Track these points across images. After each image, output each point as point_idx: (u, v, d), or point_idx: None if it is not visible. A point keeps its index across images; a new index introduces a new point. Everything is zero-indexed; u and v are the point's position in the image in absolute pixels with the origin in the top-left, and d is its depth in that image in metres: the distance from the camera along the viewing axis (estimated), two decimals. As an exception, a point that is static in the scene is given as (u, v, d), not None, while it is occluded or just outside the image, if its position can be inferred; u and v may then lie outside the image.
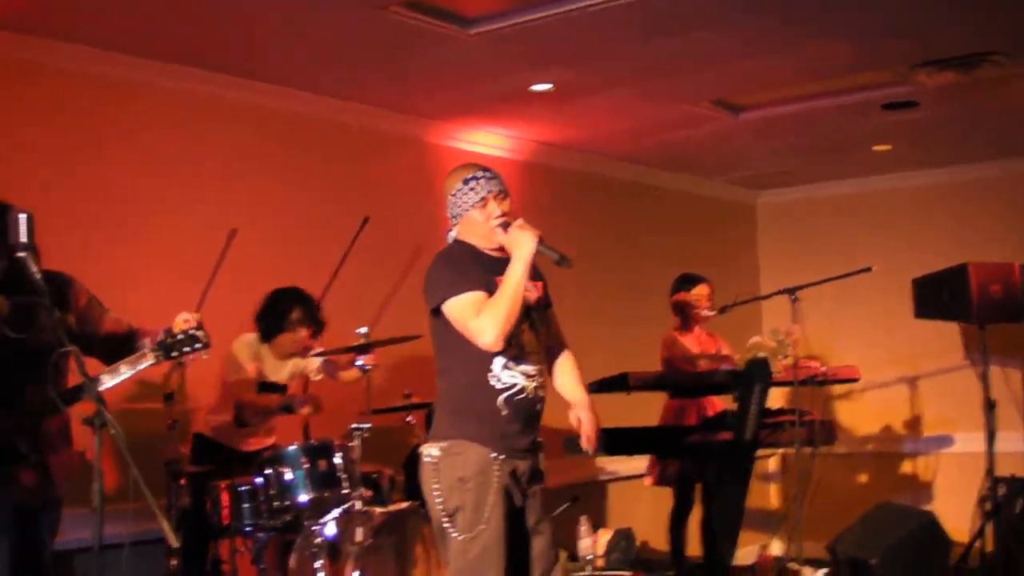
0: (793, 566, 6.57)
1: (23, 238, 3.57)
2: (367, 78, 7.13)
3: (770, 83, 7.60)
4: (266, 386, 6.31)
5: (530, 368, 4.17)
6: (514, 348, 4.09)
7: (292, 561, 5.74)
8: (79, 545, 5.44)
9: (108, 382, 4.11)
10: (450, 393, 4.23)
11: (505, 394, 4.10)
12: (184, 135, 6.82)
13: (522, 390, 4.13)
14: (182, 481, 5.78)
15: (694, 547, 7.56)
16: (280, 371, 6.37)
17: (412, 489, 6.93)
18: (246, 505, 5.70)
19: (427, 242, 8.02)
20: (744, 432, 6.50)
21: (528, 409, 4.17)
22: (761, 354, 6.52)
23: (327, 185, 7.58)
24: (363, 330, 5.65)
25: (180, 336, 4.10)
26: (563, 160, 9.25)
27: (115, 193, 6.44)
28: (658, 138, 8.92)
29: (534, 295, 4.30)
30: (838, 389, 9.77)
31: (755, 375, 6.49)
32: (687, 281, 7.55)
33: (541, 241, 4.13)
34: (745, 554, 7.28)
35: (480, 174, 4.29)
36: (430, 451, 4.15)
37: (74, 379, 4.29)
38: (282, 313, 6.27)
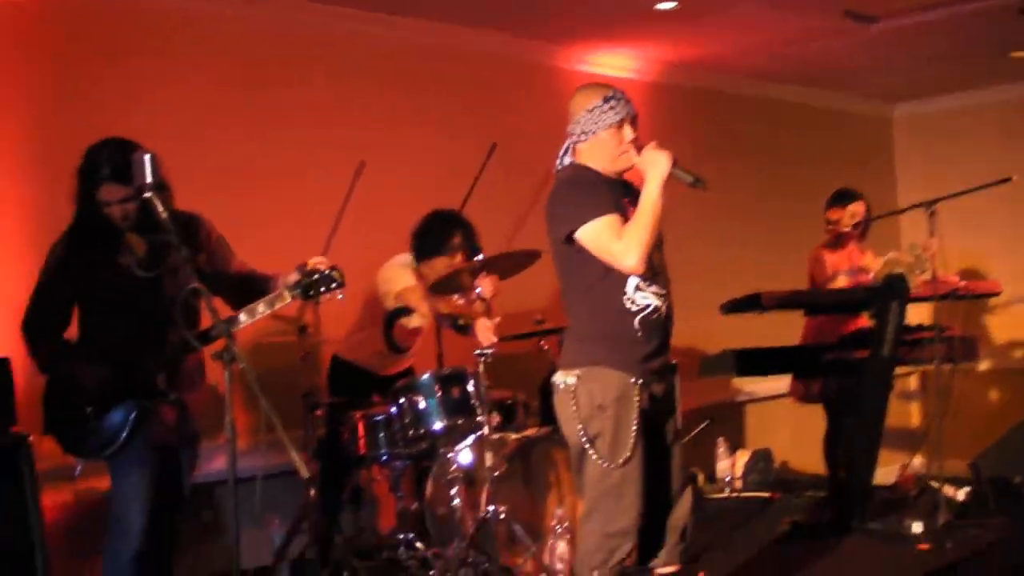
0: (934, 484, 6.46)
1: (149, 178, 3.61)
2: (491, 3, 7.09)
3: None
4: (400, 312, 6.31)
5: (660, 288, 4.13)
6: (646, 269, 4.03)
7: (428, 488, 5.83)
8: (218, 477, 5.63)
9: (245, 321, 4.19)
10: (584, 319, 4.17)
11: (640, 315, 4.06)
12: (313, 69, 6.90)
13: (656, 310, 4.09)
14: (318, 412, 5.87)
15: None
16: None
17: (547, 414, 6.98)
18: (381, 434, 5.76)
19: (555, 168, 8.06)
20: (882, 349, 6.40)
21: (662, 328, 4.14)
22: (898, 269, 6.40)
23: (454, 113, 7.59)
24: (480, 256, 5.61)
25: (317, 276, 4.12)
26: (691, 79, 9.13)
27: (247, 130, 6.56)
28: (788, 52, 8.74)
29: None
30: (979, 304, 9.52)
31: (892, 291, 6.37)
32: (841, 197, 7.31)
33: (675, 163, 4.07)
34: (885, 473, 7.18)
35: (619, 94, 4.21)
36: (566, 379, 4.12)
37: (208, 317, 4.44)
38: (443, 236, 6.16)
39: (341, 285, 4.17)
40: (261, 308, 4.19)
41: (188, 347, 4.27)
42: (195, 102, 6.36)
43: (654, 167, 4.04)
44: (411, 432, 5.65)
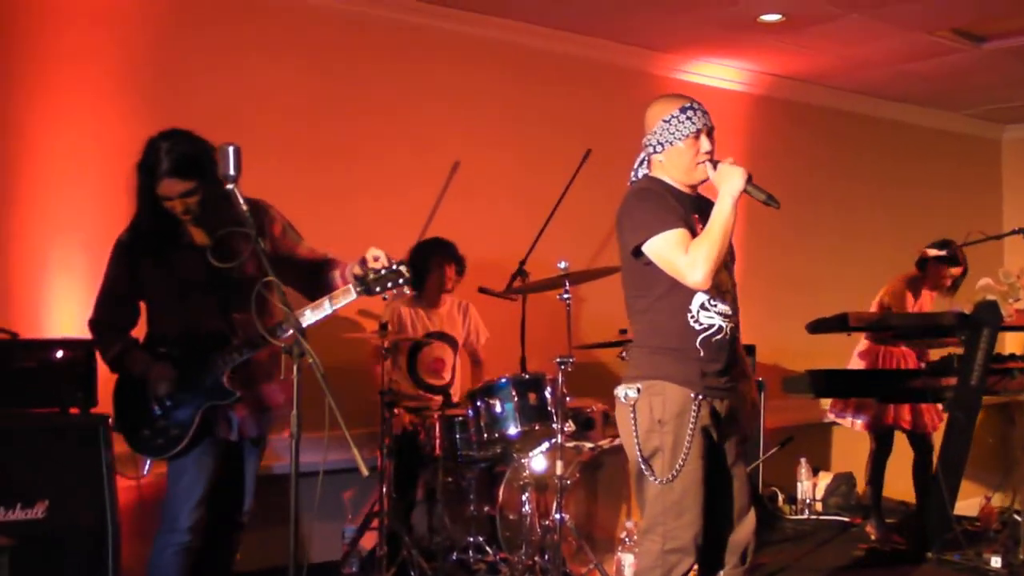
0: (1017, 519, 6.32)
1: (232, 170, 3.58)
2: (593, 8, 7.08)
3: (1016, 10, 7.21)
4: (431, 335, 6.42)
5: (726, 308, 4.05)
6: (712, 288, 3.97)
7: (500, 493, 5.85)
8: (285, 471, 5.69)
9: (311, 317, 4.09)
10: (647, 333, 4.11)
11: (703, 335, 3.99)
12: (411, 69, 6.96)
13: (720, 330, 4.02)
14: (396, 410, 5.92)
15: (912, 495, 7.37)
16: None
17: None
18: (457, 436, 5.81)
19: (650, 176, 8.02)
20: (970, 377, 6.27)
21: (726, 349, 4.06)
22: (991, 296, 6.26)
23: (550, 118, 7.60)
24: (563, 264, 5.59)
25: (383, 272, 4.01)
26: (794, 93, 9.03)
27: (342, 126, 6.63)
28: (895, 69, 8.61)
29: None
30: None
31: (984, 318, 6.24)
32: (952, 257, 7.09)
33: (750, 180, 3.97)
34: (967, 505, 7.04)
35: (696, 105, 4.11)
36: (626, 391, 4.04)
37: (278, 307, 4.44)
38: (423, 257, 6.33)
39: (408, 281, 4.05)
40: (327, 305, 4.09)
41: (257, 342, 4.25)
42: (290, 86, 6.47)
43: (729, 182, 3.96)
44: (486, 435, 5.67)
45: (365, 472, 3.41)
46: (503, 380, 5.70)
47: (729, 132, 8.51)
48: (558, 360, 5.39)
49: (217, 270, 4.14)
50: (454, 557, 5.87)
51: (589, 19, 7.32)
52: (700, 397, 3.97)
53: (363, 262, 4.08)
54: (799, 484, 7.84)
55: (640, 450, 4.01)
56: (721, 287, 4.03)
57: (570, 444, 5.61)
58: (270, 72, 6.35)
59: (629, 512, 5.81)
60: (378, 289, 4.03)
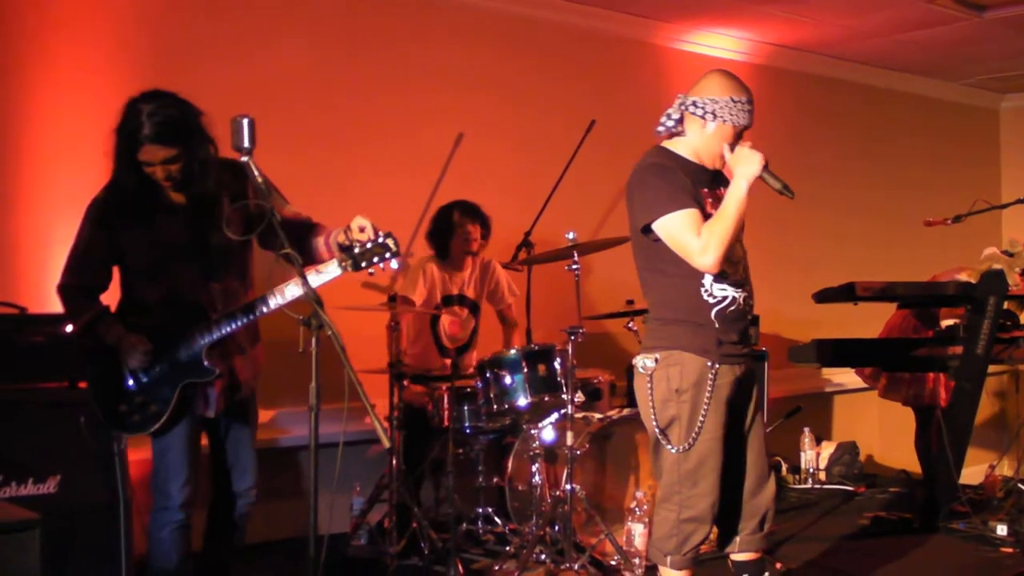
0: (1022, 487, 6.34)
1: (247, 142, 3.51)
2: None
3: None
4: (451, 299, 6.41)
5: (739, 279, 4.06)
6: (726, 262, 3.95)
7: (509, 464, 5.87)
8: (300, 442, 5.68)
9: (294, 291, 3.96)
10: (662, 305, 4.10)
11: (717, 307, 4.00)
12: (411, 44, 6.94)
13: (733, 301, 4.02)
14: (405, 382, 5.91)
15: (915, 464, 7.39)
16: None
17: (633, 396, 6.94)
18: (467, 407, 5.79)
19: (653, 146, 8.01)
20: (976, 346, 6.28)
21: (740, 320, 4.07)
22: (996, 266, 6.26)
23: (552, 89, 7.59)
24: (571, 235, 5.57)
25: (371, 245, 3.88)
26: (793, 63, 9.02)
27: (343, 106, 6.62)
28: (895, 38, 8.60)
29: None
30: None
31: (989, 287, 6.23)
32: None
33: (766, 167, 3.94)
34: (972, 473, 7.05)
35: (751, 101, 4.04)
36: (644, 361, 4.06)
37: (257, 274, 4.36)
38: (445, 218, 6.31)
39: (397, 254, 3.91)
40: (311, 279, 3.88)
41: (238, 316, 4.10)
42: (298, 62, 6.46)
43: (745, 166, 3.93)
44: (495, 407, 5.65)
45: (387, 444, 3.39)
46: (512, 351, 5.68)
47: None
48: (568, 331, 5.36)
49: (200, 236, 4.10)
50: (463, 528, 5.88)
51: (591, -11, 7.30)
52: (717, 365, 3.98)
53: (348, 231, 3.95)
54: (802, 454, 7.85)
55: (656, 419, 4.04)
56: (733, 258, 4.02)
57: (579, 415, 5.61)
58: (270, 54, 6.32)
59: (638, 482, 5.82)
60: (364, 264, 3.90)
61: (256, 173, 3.58)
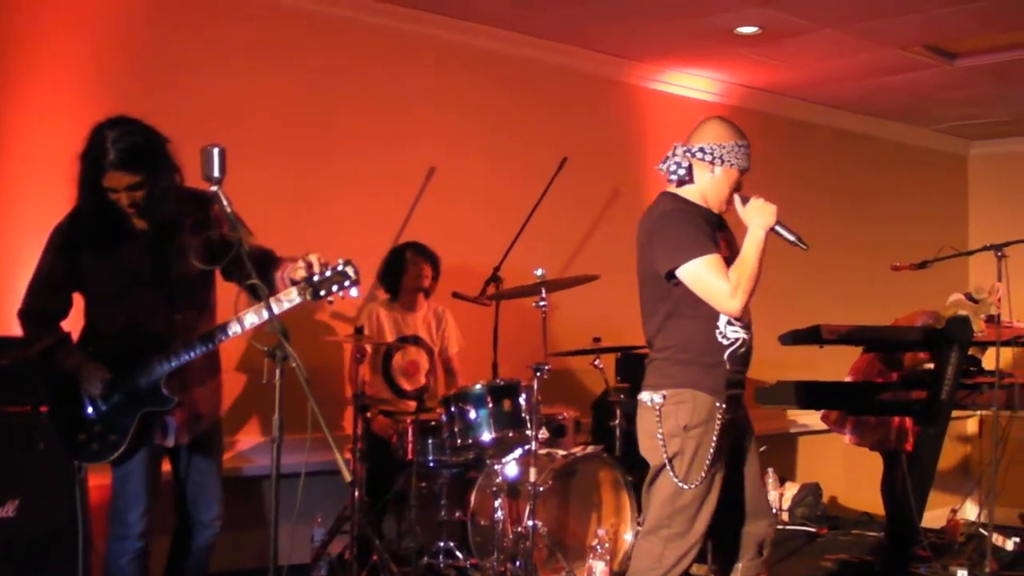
0: (983, 532, 6.36)
1: (216, 172, 3.49)
2: (569, 16, 7.09)
3: (988, 28, 7.29)
4: (405, 339, 6.40)
5: (746, 320, 4.20)
6: None
7: (472, 498, 5.85)
8: (261, 472, 5.65)
9: (252, 320, 3.96)
10: (674, 345, 4.18)
11: (730, 349, 4.13)
12: (388, 73, 6.95)
13: (743, 343, 4.17)
14: (369, 414, 5.90)
15: (878, 506, 7.40)
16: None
17: (598, 433, 6.96)
18: (430, 441, 5.79)
19: (624, 184, 8.06)
20: (940, 391, 6.30)
21: (745, 359, 4.23)
22: (962, 312, 6.29)
23: (525, 124, 7.61)
24: (540, 271, 5.59)
25: (329, 273, 3.84)
26: (765, 104, 9.08)
27: (317, 129, 6.61)
28: (867, 83, 8.69)
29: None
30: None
31: (955, 333, 6.26)
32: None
33: (779, 221, 4.15)
34: (934, 517, 7.07)
35: (749, 145, 4.25)
36: (652, 397, 4.15)
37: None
38: (397, 257, 6.36)
39: (356, 283, 3.87)
40: (274, 307, 3.83)
41: (196, 346, 4.08)
42: (271, 85, 6.45)
43: (760, 218, 4.13)
44: (460, 441, 5.65)
45: (348, 477, 3.38)
46: (478, 386, 5.69)
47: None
48: (534, 367, 5.37)
49: (162, 265, 4.09)
50: (424, 562, 5.85)
51: (565, 27, 7.34)
52: (723, 405, 4.11)
53: (309, 266, 3.91)
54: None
55: (665, 451, 4.10)
56: None
57: (543, 451, 5.60)
58: (246, 75, 6.32)
59: (600, 520, 5.82)
60: (323, 292, 3.87)
61: (226, 203, 3.56)
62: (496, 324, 6.51)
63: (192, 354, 4.09)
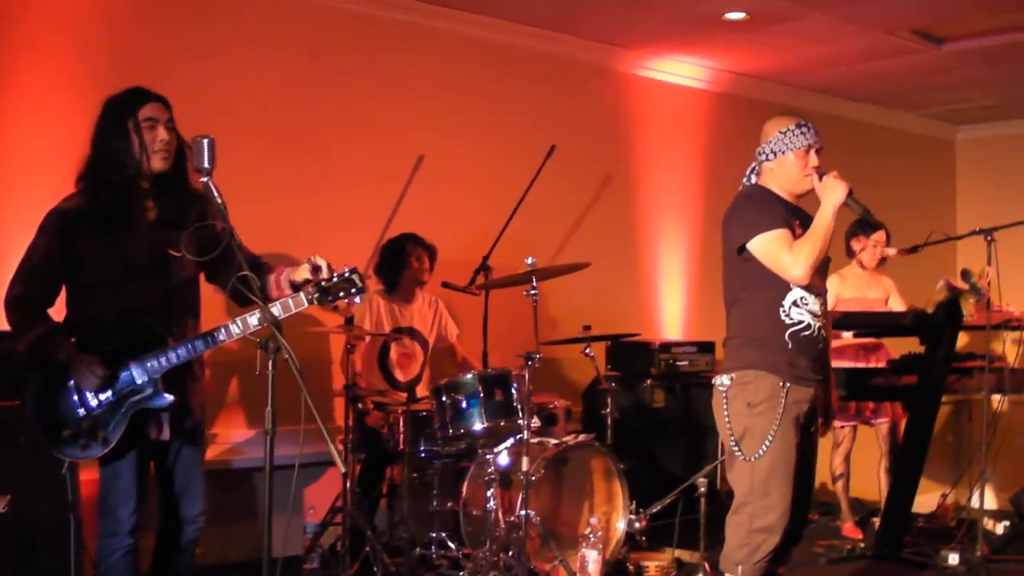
0: (974, 516, 6.38)
1: (207, 163, 3.49)
2: (558, 4, 7.08)
3: (975, 12, 7.29)
4: (401, 331, 6.41)
5: (816, 308, 4.32)
6: (806, 287, 4.29)
7: (464, 489, 5.86)
8: (254, 464, 5.64)
9: (257, 324, 3.87)
10: (742, 325, 4.42)
11: (791, 329, 4.27)
12: (378, 62, 6.94)
13: (808, 327, 4.29)
14: (360, 405, 5.90)
15: (872, 492, 7.41)
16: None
17: (589, 421, 6.97)
18: (422, 431, 5.79)
19: (615, 171, 8.05)
20: (931, 376, 6.32)
21: (813, 345, 4.32)
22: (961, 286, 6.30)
23: (515, 112, 7.60)
24: (530, 260, 5.58)
25: (336, 279, 3.86)
26: (753, 91, 9.05)
27: (308, 118, 6.59)
28: (854, 69, 8.68)
29: None
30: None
31: (945, 318, 6.28)
32: (865, 226, 7.17)
33: (851, 194, 4.34)
34: (925, 501, 7.09)
35: (811, 124, 4.50)
36: (721, 380, 4.36)
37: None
38: (397, 250, 6.37)
39: (362, 291, 3.90)
40: (277, 311, 3.83)
41: (194, 342, 4.00)
42: (261, 75, 6.44)
43: (832, 193, 4.33)
44: (451, 431, 5.63)
45: (343, 468, 3.38)
46: (469, 376, 5.68)
47: (689, 129, 8.54)
48: (525, 356, 5.37)
49: (159, 258, 4.04)
50: (416, 552, 5.85)
51: (554, 15, 7.32)
52: (788, 384, 4.24)
53: (316, 269, 3.95)
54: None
55: (732, 431, 4.29)
56: (814, 288, 4.34)
57: (535, 440, 5.60)
58: (238, 64, 6.30)
59: (593, 508, 5.83)
60: (331, 298, 3.88)
61: (216, 194, 3.55)
62: (486, 313, 6.50)
63: (192, 353, 4.01)
